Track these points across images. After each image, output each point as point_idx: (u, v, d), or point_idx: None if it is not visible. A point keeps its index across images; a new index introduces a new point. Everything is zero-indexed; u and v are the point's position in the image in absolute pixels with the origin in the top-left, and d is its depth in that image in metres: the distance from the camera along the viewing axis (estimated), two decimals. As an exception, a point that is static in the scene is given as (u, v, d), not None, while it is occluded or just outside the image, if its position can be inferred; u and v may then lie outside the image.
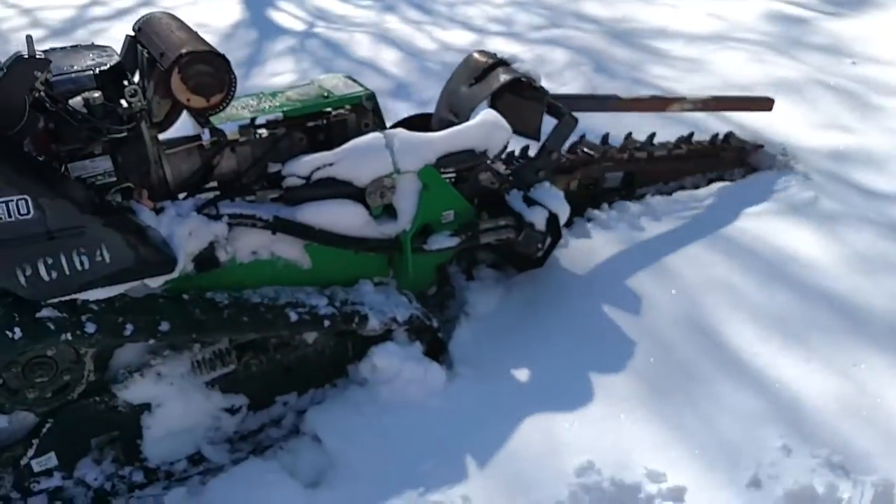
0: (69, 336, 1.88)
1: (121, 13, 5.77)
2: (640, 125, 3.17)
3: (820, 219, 2.84)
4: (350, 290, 2.34)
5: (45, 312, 1.88)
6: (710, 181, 3.19)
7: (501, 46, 2.78)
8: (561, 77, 4.14)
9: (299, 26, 5.52)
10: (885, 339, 2.29)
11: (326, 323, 2.20)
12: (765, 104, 3.26)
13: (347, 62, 4.60)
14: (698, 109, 3.14)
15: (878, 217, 2.85)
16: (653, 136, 3.13)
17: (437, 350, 2.40)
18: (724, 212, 2.91)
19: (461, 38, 4.92)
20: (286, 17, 5.81)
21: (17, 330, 1.84)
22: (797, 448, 1.97)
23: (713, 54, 4.31)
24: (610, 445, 2.03)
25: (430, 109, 2.88)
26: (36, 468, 2.03)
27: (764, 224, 2.82)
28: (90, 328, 1.91)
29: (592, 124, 3.19)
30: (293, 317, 2.16)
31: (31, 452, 2.01)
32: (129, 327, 1.96)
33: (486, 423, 2.14)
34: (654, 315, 2.43)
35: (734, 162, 3.26)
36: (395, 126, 2.55)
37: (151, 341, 2.03)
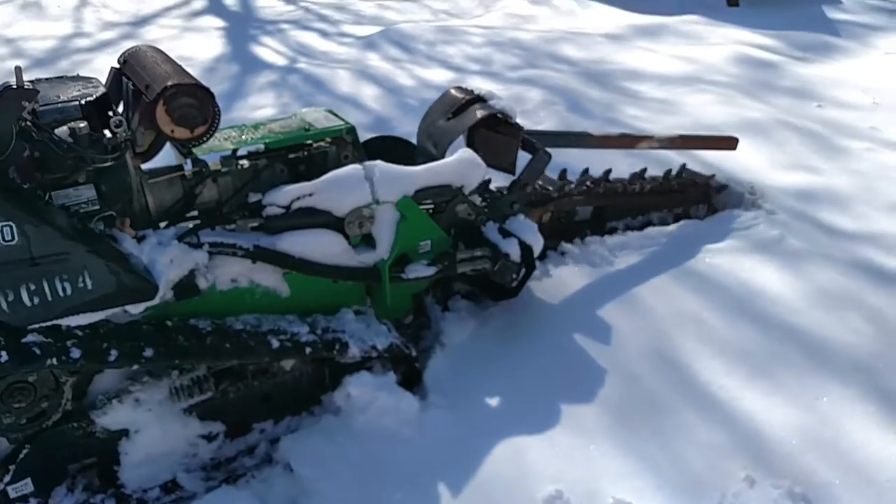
0: (54, 361, 1.89)
1: (103, 45, 5.85)
2: (614, 162, 3.26)
3: (786, 256, 2.92)
4: (331, 318, 2.38)
5: (30, 338, 1.89)
6: (677, 217, 3.27)
7: (479, 84, 2.86)
8: (536, 115, 4.24)
9: (281, 61, 5.61)
10: (848, 373, 2.35)
11: (308, 350, 2.23)
12: (729, 143, 3.37)
13: (328, 97, 4.67)
14: (665, 147, 3.25)
15: (841, 255, 2.94)
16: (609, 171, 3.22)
17: (412, 379, 2.44)
18: (692, 248, 2.98)
19: (440, 76, 5.02)
20: (269, 52, 5.91)
21: (2, 353, 1.85)
22: (760, 479, 2.02)
23: (684, 96, 4.44)
24: (578, 475, 2.06)
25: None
26: (12, 494, 2.02)
27: (731, 260, 2.90)
28: (75, 353, 1.92)
29: (566, 161, 3.29)
30: (275, 344, 2.19)
31: (7, 478, 2.00)
32: (114, 353, 1.97)
33: (457, 452, 2.16)
34: (623, 347, 2.49)
35: (699, 198, 3.35)
36: (364, 144, 2.61)
37: (135, 367, 2.04)
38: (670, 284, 2.77)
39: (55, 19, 7.10)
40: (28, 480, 2.04)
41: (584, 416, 2.24)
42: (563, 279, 2.83)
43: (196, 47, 5.93)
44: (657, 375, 2.38)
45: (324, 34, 6.38)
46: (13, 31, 6.61)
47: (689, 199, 3.37)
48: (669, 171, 3.28)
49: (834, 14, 5.99)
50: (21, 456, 2.01)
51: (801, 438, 2.14)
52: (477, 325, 2.64)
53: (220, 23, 6.81)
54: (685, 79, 4.73)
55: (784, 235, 3.04)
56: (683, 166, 3.31)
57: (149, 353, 2.01)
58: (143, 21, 7.01)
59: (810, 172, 3.59)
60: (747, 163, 3.65)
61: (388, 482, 2.09)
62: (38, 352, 1.88)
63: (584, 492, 2.01)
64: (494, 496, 2.02)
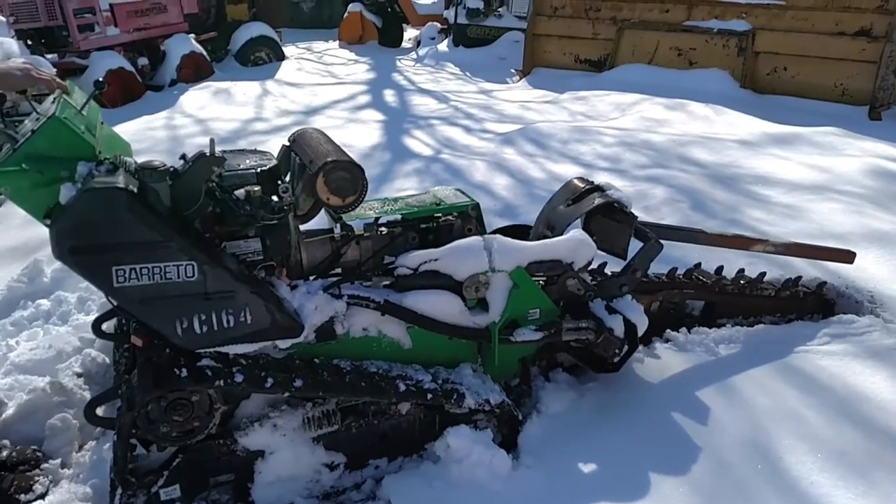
0: (222, 382, 2.25)
1: (278, 129, 6.67)
2: (726, 261, 3.37)
3: (899, 365, 2.88)
4: (451, 371, 2.65)
5: (204, 362, 2.28)
6: (790, 321, 3.30)
7: (606, 180, 3.11)
8: (658, 212, 4.40)
9: (427, 152, 6.14)
10: (952, 484, 2.30)
11: (429, 396, 2.50)
12: (846, 256, 3.37)
13: (464, 184, 5.07)
14: (779, 252, 3.30)
15: (960, 369, 2.86)
16: (741, 271, 3.32)
17: (511, 441, 2.63)
18: (802, 348, 3.01)
19: (570, 171, 5.31)
20: (417, 143, 6.48)
21: (183, 370, 2.24)
22: (845, 577, 2.02)
23: (812, 203, 4.45)
24: (657, 547, 2.14)
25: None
26: (163, 497, 2.35)
27: (841, 363, 2.90)
28: (238, 378, 2.28)
29: (682, 256, 3.44)
30: (401, 387, 2.48)
31: (160, 482, 2.35)
32: (270, 380, 2.32)
33: (543, 510, 2.31)
34: (718, 433, 2.55)
35: (814, 307, 3.36)
36: (493, 232, 2.91)
37: (286, 394, 2.37)
38: (774, 379, 2.81)
39: (240, 105, 8.15)
40: (177, 486, 2.37)
41: (672, 495, 2.32)
42: (664, 363, 2.94)
43: (356, 136, 6.61)
44: (749, 465, 2.42)
45: (468, 130, 6.90)
46: (205, 112, 7.66)
47: (804, 306, 3.39)
48: (789, 279, 3.35)
49: None
50: (174, 464, 2.36)
51: (894, 542, 2.12)
52: (575, 397, 2.80)
53: (379, 116, 7.54)
54: (815, 187, 4.74)
55: (901, 344, 3.00)
56: (798, 278, 3.36)
57: (298, 383, 2.35)
58: (313, 111, 7.90)
59: (938, 286, 3.50)
60: (871, 272, 3.61)
61: (476, 529, 2.26)
62: (209, 373, 2.26)
63: (660, 562, 2.09)
64: (573, 554, 2.14)
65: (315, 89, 8.89)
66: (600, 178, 3.14)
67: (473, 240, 2.65)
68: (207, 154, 2.24)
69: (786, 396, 2.73)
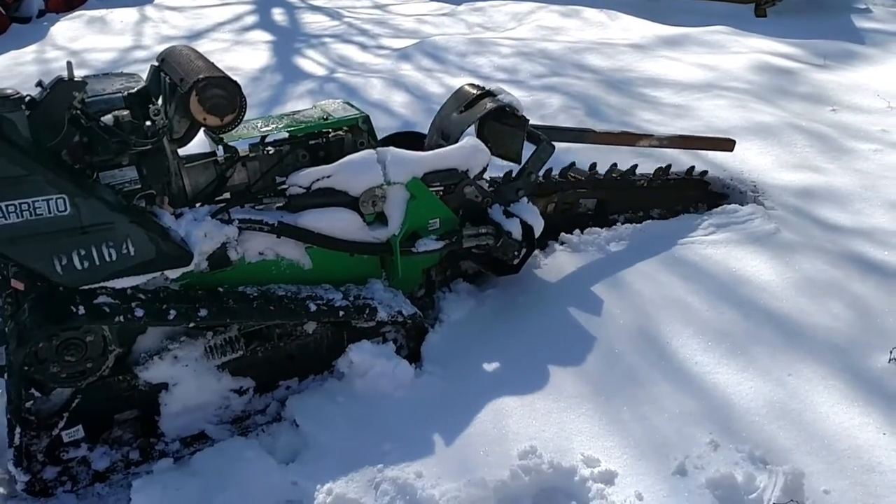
0: (121, 318, 2.18)
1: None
2: (621, 159, 3.44)
3: (778, 248, 3.04)
4: (362, 287, 2.64)
5: (101, 299, 2.18)
6: (677, 213, 3.42)
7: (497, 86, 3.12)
8: (554, 119, 4.42)
9: (321, 72, 5.94)
10: (822, 352, 2.48)
11: (341, 313, 2.49)
12: (726, 144, 3.50)
13: (361, 103, 4.85)
14: (664, 146, 3.40)
15: (833, 247, 3.05)
16: (635, 167, 3.40)
17: (416, 352, 2.68)
18: (688, 239, 3.13)
19: (467, 84, 5.26)
20: (310, 63, 6.25)
21: (80, 307, 2.14)
22: (724, 443, 2.17)
23: (700, 101, 4.57)
24: (552, 434, 2.24)
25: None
26: (65, 438, 2.29)
27: (724, 251, 3.04)
28: (139, 312, 2.21)
29: (572, 157, 3.49)
30: (312, 307, 2.46)
31: (61, 424, 2.28)
32: (173, 313, 2.25)
33: (444, 412, 2.37)
34: (608, 326, 2.66)
35: (700, 197, 3.50)
36: (383, 140, 2.86)
37: (191, 325, 2.32)
38: (660, 271, 2.93)
39: (117, 34, 7.62)
40: (79, 427, 2.31)
41: (564, 384, 2.43)
42: (559, 265, 3.02)
43: (244, 59, 6.31)
44: (637, 351, 2.54)
45: (363, 47, 6.70)
46: (79, 44, 7.13)
47: (689, 197, 3.51)
48: (660, 167, 3.46)
49: (861, 23, 6.03)
50: (73, 405, 2.28)
51: (768, 409, 2.28)
52: (475, 305, 2.85)
53: (268, 37, 7.20)
54: (703, 85, 4.86)
55: (779, 229, 3.16)
56: (668, 166, 3.46)
57: (203, 312, 2.29)
58: (197, 35, 7.46)
59: (814, 172, 3.70)
60: (754, 163, 3.78)
61: (380, 436, 2.30)
62: (107, 310, 2.17)
63: (556, 448, 2.19)
64: (474, 450, 2.22)
65: (199, 12, 8.39)
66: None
67: (366, 153, 2.60)
68: (66, 79, 2.09)
69: (672, 286, 2.86)
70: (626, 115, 4.52)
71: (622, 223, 3.31)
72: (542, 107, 4.67)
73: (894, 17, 6.12)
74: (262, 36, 7.18)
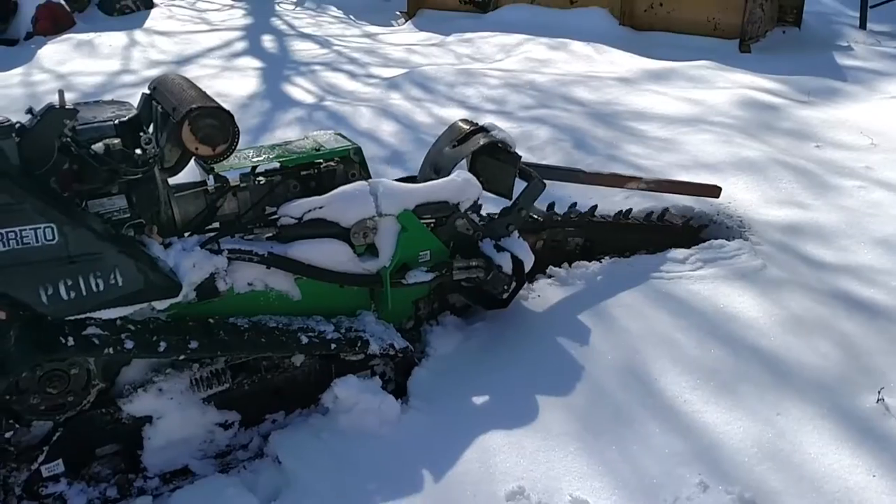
0: (111, 350, 2.13)
1: (146, 81, 6.23)
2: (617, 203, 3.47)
3: (765, 285, 3.05)
4: (353, 319, 2.62)
5: (90, 330, 2.14)
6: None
7: (490, 121, 3.13)
8: (542, 151, 4.45)
9: (310, 99, 5.94)
10: (809, 391, 2.47)
11: (333, 346, 2.46)
12: (712, 191, 3.55)
13: (349, 132, 4.91)
14: (651, 189, 3.45)
15: (819, 285, 3.06)
16: (629, 210, 3.44)
17: (402, 387, 2.64)
18: (675, 274, 3.13)
19: (456, 114, 5.24)
20: (299, 91, 6.25)
21: (69, 339, 2.09)
22: (713, 485, 2.14)
23: (686, 135, 4.61)
24: (540, 475, 2.21)
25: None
26: (45, 473, 2.23)
27: (711, 287, 3.04)
28: (129, 344, 2.16)
29: (562, 195, 3.50)
30: (304, 339, 2.43)
31: (41, 458, 2.21)
32: (163, 345, 2.21)
33: (431, 450, 2.33)
34: (595, 362, 2.64)
35: (688, 239, 3.52)
36: None
37: (182, 357, 2.27)
38: (648, 306, 2.93)
39: (106, 57, 7.59)
40: (59, 461, 2.25)
41: (551, 422, 2.40)
42: (547, 298, 3.01)
43: (233, 85, 6.29)
44: (625, 388, 2.52)
45: (352, 75, 6.71)
46: (66, 67, 7.09)
47: (676, 238, 3.52)
48: (650, 213, 3.50)
49: (844, 60, 6.13)
50: (54, 438, 2.22)
51: (757, 449, 2.26)
52: (462, 339, 2.83)
53: (257, 63, 7.20)
54: (688, 120, 4.91)
55: (766, 265, 3.17)
56: (665, 210, 3.49)
57: (194, 344, 2.25)
58: (185, 60, 7.45)
59: (799, 208, 3.72)
60: (740, 199, 3.79)
61: (364, 475, 2.26)
62: (97, 342, 2.13)
63: (544, 489, 2.16)
64: (461, 489, 2.18)
65: (188, 37, 8.39)
66: (485, 121, 3.13)
67: (358, 184, 2.59)
68: (57, 106, 2.07)
69: (659, 321, 2.85)
70: (613, 148, 4.54)
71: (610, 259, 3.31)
72: (529, 138, 4.69)
73: (875, 55, 6.23)
74: (251, 62, 7.18)
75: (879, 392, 2.40)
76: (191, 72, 6.58)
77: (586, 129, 4.86)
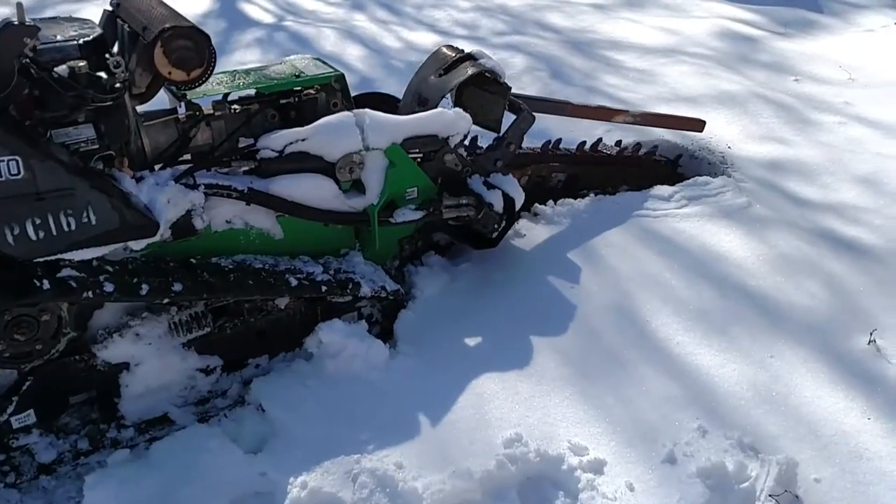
0: (90, 294, 1.96)
1: (89, -3, 5.79)
2: (590, 131, 3.34)
3: (751, 223, 3.01)
4: (342, 259, 2.48)
5: (65, 272, 1.96)
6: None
7: (464, 48, 2.94)
8: (519, 81, 4.28)
9: (268, 19, 5.60)
10: (801, 333, 2.46)
11: (324, 288, 2.32)
12: (696, 124, 3.46)
13: (313, 55, 4.67)
14: (638, 123, 3.35)
15: (805, 223, 3.03)
16: (599, 141, 3.32)
17: (388, 330, 2.54)
18: (661, 212, 3.06)
19: (426, 39, 5.04)
20: (256, 9, 5.88)
21: (44, 282, 1.91)
22: (712, 430, 2.12)
23: (664, 67, 4.49)
24: (536, 420, 2.15)
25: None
26: (15, 424, 2.08)
27: (697, 225, 2.99)
28: (108, 287, 1.99)
29: (544, 126, 3.36)
30: (293, 282, 2.28)
31: (10, 409, 2.06)
32: (145, 287, 2.05)
33: (423, 397, 2.24)
34: (586, 303, 2.57)
35: (670, 174, 3.45)
36: (354, 100, 2.66)
37: (165, 301, 2.12)
38: (635, 245, 2.86)
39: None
40: (31, 412, 2.10)
41: (545, 367, 2.34)
42: (534, 238, 2.91)
43: (182, 2, 5.86)
44: (617, 331, 2.47)
45: (311, -7, 6.35)
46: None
47: (658, 174, 3.44)
48: (621, 144, 3.42)
49: (819, -9, 6.04)
50: (24, 388, 2.07)
51: (753, 393, 2.24)
52: (449, 280, 2.72)
53: (208, -22, 6.74)
54: (666, 50, 4.78)
55: (751, 203, 3.12)
56: (638, 145, 3.40)
57: (177, 287, 2.09)
58: (128, -26, 6.91)
59: (781, 144, 3.68)
60: (721, 133, 3.72)
61: (355, 424, 2.17)
62: (74, 284, 1.95)
63: (541, 435, 2.10)
64: (457, 438, 2.11)
65: (131, -51, 7.79)
66: (458, 46, 2.95)
67: (344, 115, 2.41)
68: (15, 22, 1.81)
69: (647, 261, 2.79)
70: (590, 79, 4.40)
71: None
72: (505, 67, 4.36)
73: (850, -14, 6.15)
74: (203, -23, 6.71)
75: (871, 334, 2.40)
76: (137, -14, 6.11)
77: (562, 58, 4.71)
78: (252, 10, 5.79)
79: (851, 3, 5.78)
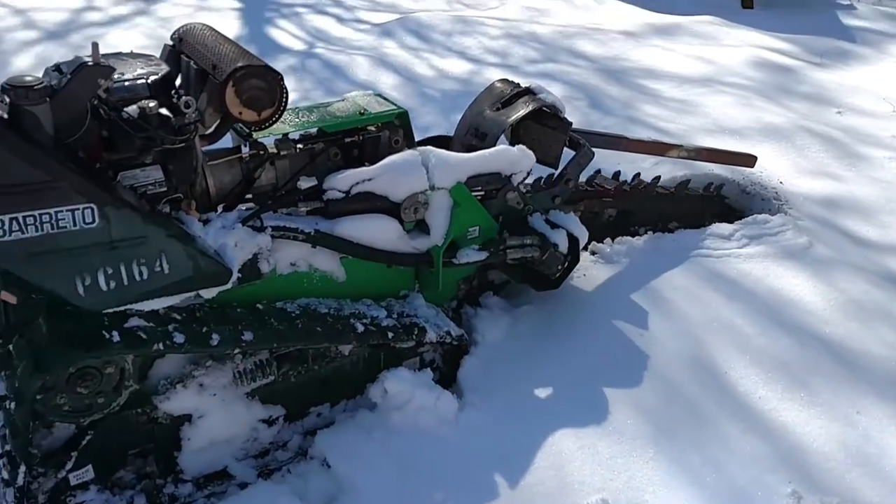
0: (160, 346, 1.88)
1: (116, 20, 5.70)
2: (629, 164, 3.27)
3: (815, 264, 2.91)
4: (404, 303, 2.40)
5: (133, 322, 1.88)
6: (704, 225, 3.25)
7: (536, 83, 2.89)
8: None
9: (299, 46, 5.52)
10: (884, 387, 2.35)
11: (390, 334, 2.24)
12: (748, 160, 3.38)
13: (348, 84, 4.60)
14: (692, 158, 3.26)
15: (869, 266, 2.93)
16: (658, 178, 3.23)
17: (450, 377, 2.44)
18: (722, 252, 2.96)
19: (458, 67, 4.97)
20: (286, 35, 5.82)
21: (114, 333, 1.82)
22: (807, 495, 2.00)
23: (703, 97, 4.41)
24: (622, 484, 2.04)
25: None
26: (73, 481, 1.98)
27: (762, 267, 2.88)
28: (179, 338, 1.90)
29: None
30: (359, 327, 2.20)
31: (69, 465, 1.96)
32: (216, 337, 1.96)
33: (497, 456, 2.13)
34: (659, 352, 2.46)
35: (724, 212, 3.36)
36: (419, 144, 2.60)
37: (237, 351, 2.03)
38: (700, 287, 2.75)
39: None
40: (89, 467, 1.99)
41: (623, 423, 2.22)
42: (594, 278, 2.80)
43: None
44: (695, 383, 2.36)
45: (340, 19, 6.28)
46: (25, 1, 6.43)
47: (713, 212, 3.35)
48: (710, 184, 3.35)
49: (848, 20, 5.98)
50: (83, 443, 1.96)
51: (845, 454, 2.13)
52: (511, 322, 2.61)
53: (234, 3, 6.67)
54: (702, 79, 4.70)
55: (812, 243, 3.02)
56: (688, 181, 3.32)
57: (248, 336, 2.00)
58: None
59: (833, 180, 3.59)
60: (771, 168, 3.63)
61: (427, 482, 2.06)
62: (144, 336, 1.86)
63: (629, 501, 1.99)
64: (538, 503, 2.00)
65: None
66: (493, 75, 2.90)
67: (409, 154, 2.33)
68: (90, 63, 1.75)
69: (716, 305, 2.68)
70: (629, 108, 4.32)
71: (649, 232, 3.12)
72: None
73: (879, 15, 6.10)
74: (228, 2, 6.64)
75: (960, 388, 2.30)
76: (162, 10, 6.05)
77: (599, 87, 4.63)
78: (281, 37, 5.72)
79: (882, 32, 5.73)
